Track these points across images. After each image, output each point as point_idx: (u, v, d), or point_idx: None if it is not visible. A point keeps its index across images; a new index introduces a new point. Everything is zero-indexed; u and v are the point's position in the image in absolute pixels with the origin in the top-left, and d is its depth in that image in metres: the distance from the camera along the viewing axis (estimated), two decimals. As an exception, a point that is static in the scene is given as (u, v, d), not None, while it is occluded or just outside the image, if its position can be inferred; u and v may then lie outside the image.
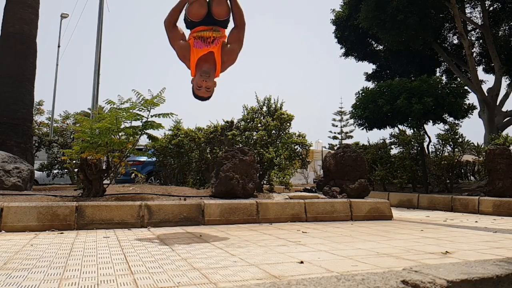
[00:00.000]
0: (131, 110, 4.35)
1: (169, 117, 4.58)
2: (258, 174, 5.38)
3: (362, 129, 11.08)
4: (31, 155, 7.56)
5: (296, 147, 6.49)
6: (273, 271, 2.00)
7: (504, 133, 11.38)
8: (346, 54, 16.50)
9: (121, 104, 4.48)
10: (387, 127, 10.83)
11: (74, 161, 6.41)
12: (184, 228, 3.77)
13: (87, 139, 4.29)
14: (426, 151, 8.72)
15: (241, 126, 6.78)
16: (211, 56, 3.09)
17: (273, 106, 6.95)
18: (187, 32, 3.27)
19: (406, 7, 11.53)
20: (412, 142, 8.50)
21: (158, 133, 7.95)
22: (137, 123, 4.46)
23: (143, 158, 11.10)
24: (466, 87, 10.42)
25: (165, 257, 2.35)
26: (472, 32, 15.18)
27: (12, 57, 7.47)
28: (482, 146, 8.32)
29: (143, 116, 4.40)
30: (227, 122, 7.01)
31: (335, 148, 14.72)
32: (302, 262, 2.20)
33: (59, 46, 21.67)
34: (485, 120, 12.85)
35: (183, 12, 3.22)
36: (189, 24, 3.22)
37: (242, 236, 3.28)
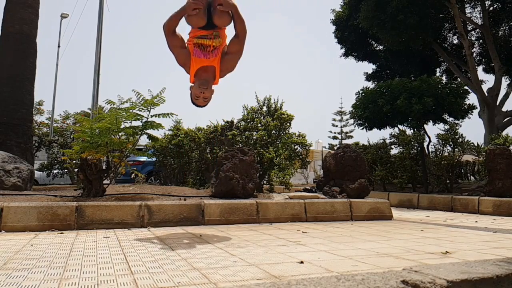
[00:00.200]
0: (131, 110, 4.35)
1: (169, 117, 4.59)
2: (258, 174, 5.38)
3: (362, 129, 11.08)
4: (31, 155, 7.56)
5: (296, 147, 6.48)
6: (273, 271, 2.00)
7: (504, 133, 11.40)
8: (346, 54, 16.52)
9: (121, 104, 4.48)
10: (387, 127, 10.82)
11: (74, 161, 6.42)
12: (184, 228, 3.77)
13: (87, 139, 4.29)
14: (426, 151, 8.72)
15: (241, 126, 6.77)
16: (211, 68, 3.14)
17: (273, 106, 6.95)
18: (187, 32, 3.28)
19: (406, 7, 11.54)
20: (412, 142, 8.50)
21: (158, 133, 7.97)
22: (137, 123, 4.47)
23: (143, 158, 11.11)
24: (466, 87, 10.42)
25: (165, 257, 2.35)
26: (472, 32, 15.18)
27: (12, 57, 7.48)
28: (482, 146, 8.32)
29: (143, 116, 4.41)
30: (227, 122, 7.01)
31: (335, 148, 14.69)
32: (302, 262, 2.20)
33: (59, 46, 21.72)
34: (485, 120, 12.85)
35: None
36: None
37: (242, 236, 3.28)
